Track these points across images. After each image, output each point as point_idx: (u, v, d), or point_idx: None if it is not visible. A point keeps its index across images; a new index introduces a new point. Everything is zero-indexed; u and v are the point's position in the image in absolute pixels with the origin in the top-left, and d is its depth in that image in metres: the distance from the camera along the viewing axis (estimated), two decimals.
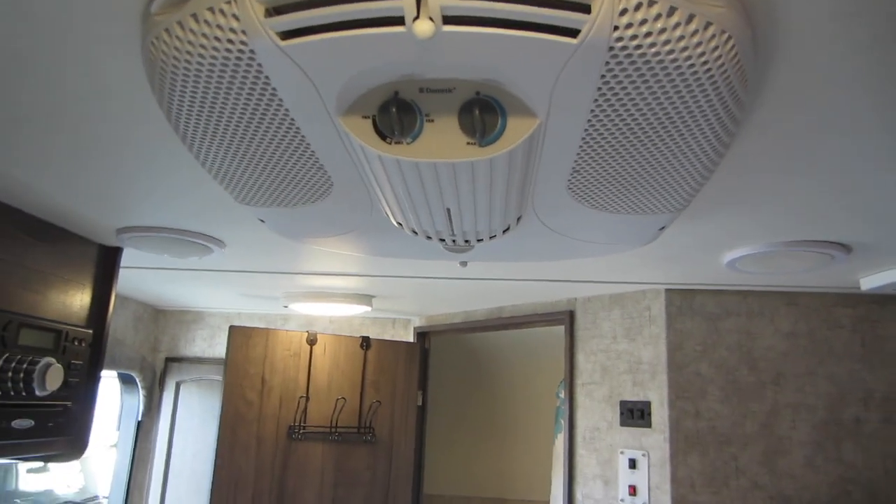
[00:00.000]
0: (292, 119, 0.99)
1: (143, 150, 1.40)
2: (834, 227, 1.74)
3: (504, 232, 1.43)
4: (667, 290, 2.63)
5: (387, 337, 3.99)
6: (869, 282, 2.23)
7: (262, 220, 1.58)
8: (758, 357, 2.57)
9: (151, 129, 1.29)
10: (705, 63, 0.82)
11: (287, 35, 0.79)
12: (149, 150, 1.41)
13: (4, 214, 1.88)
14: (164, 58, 0.88)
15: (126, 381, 4.06)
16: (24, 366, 1.92)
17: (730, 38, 0.81)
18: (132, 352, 3.93)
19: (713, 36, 0.79)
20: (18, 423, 1.94)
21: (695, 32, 0.78)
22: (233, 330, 3.34)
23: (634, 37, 0.77)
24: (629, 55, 0.79)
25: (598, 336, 2.84)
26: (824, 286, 2.49)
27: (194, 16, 0.80)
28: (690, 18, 0.77)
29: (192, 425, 4.00)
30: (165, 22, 0.84)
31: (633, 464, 2.58)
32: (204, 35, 0.81)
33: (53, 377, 2.00)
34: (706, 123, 0.96)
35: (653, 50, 0.79)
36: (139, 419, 4.06)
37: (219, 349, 4.08)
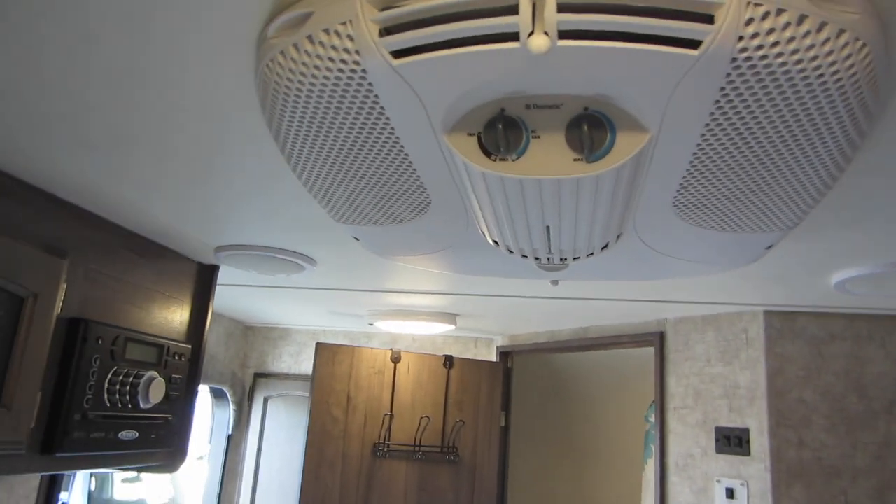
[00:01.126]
0: (397, 137, 1.00)
1: (245, 171, 1.45)
2: None
3: (602, 249, 1.40)
4: (765, 312, 2.51)
5: (469, 356, 3.98)
6: None
7: (357, 238, 1.60)
8: (868, 384, 2.42)
9: (254, 151, 1.33)
10: (836, 73, 0.77)
11: (400, 54, 0.80)
12: (250, 172, 1.45)
13: (112, 232, 1.97)
14: (277, 79, 0.90)
15: (217, 395, 4.19)
16: (131, 379, 2.01)
17: (864, 45, 0.76)
18: (223, 367, 4.06)
19: (846, 44, 0.75)
20: (124, 435, 2.02)
21: (826, 41, 0.74)
22: (319, 347, 3.40)
23: (760, 47, 0.73)
24: (753, 66, 0.76)
25: (691, 359, 2.73)
26: None
27: (310, 37, 0.82)
28: (822, 26, 0.73)
29: (280, 440, 4.08)
30: (281, 44, 0.86)
31: (730, 493, 2.46)
32: (318, 56, 0.83)
33: (156, 390, 2.08)
34: (830, 137, 0.91)
35: (780, 60, 0.75)
36: (229, 433, 4.18)
37: (304, 366, 4.16)
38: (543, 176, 0.96)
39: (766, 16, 0.71)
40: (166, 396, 2.16)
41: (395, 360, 3.46)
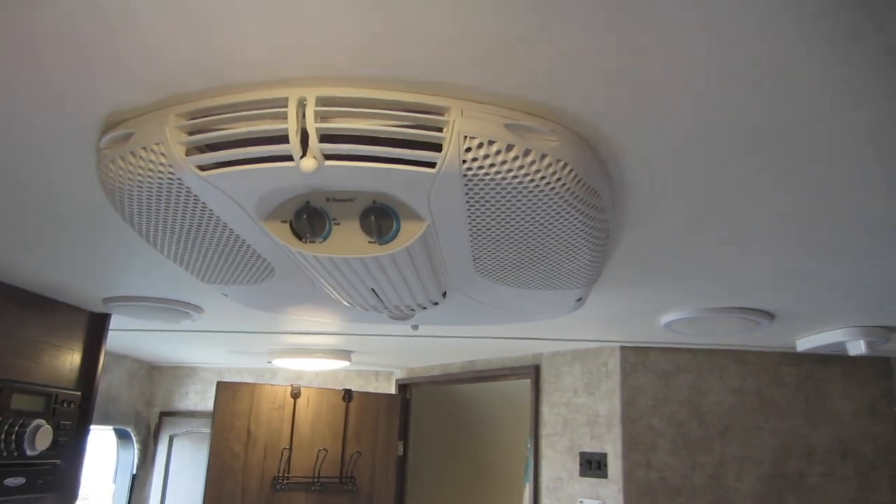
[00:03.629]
0: (224, 224, 1.18)
1: (118, 234, 1.60)
2: (750, 297, 1.90)
3: (436, 304, 1.61)
4: (621, 348, 2.78)
5: (370, 389, 4.13)
6: (803, 343, 2.38)
7: (225, 295, 1.76)
8: (706, 411, 2.71)
9: (118, 218, 1.49)
10: (548, 184, 1.00)
11: (205, 167, 0.99)
12: (123, 234, 1.60)
13: (0, 292, 2.07)
14: (111, 181, 1.08)
15: (121, 435, 4.21)
16: (17, 428, 2.09)
17: (566, 164, 0.99)
18: (126, 407, 4.08)
19: (549, 164, 0.97)
20: (10, 482, 2.10)
21: (532, 162, 0.96)
22: (220, 385, 3.50)
23: (481, 167, 0.95)
24: (481, 179, 0.98)
25: (561, 390, 2.98)
26: (766, 346, 2.63)
27: (132, 152, 1.00)
28: (527, 152, 0.95)
29: (185, 478, 4.12)
30: (111, 155, 1.04)
31: None
32: (141, 167, 1.01)
33: (43, 438, 2.17)
34: (567, 224, 1.13)
35: (500, 176, 0.97)
36: (134, 472, 4.19)
37: (210, 403, 4.22)
38: (345, 255, 1.16)
39: (480, 146, 0.93)
40: (54, 442, 2.25)
41: (295, 395, 3.59)
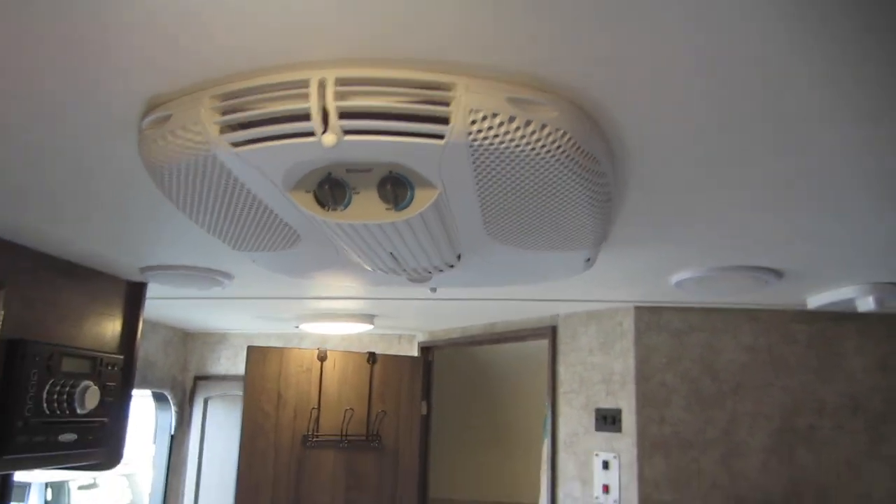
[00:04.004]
0: (254, 195, 1.29)
1: (155, 208, 1.72)
2: (757, 256, 1.97)
3: (452, 267, 1.71)
4: (636, 308, 2.87)
5: (393, 352, 4.28)
6: (814, 301, 2.45)
7: (255, 261, 1.88)
8: (719, 368, 2.80)
9: (157, 192, 1.61)
10: (548, 151, 1.09)
11: (237, 144, 1.09)
12: (162, 210, 1.72)
13: (44, 262, 2.22)
14: (154, 158, 1.19)
15: (159, 399, 4.42)
16: (67, 388, 2.25)
17: (565, 133, 1.08)
18: (163, 372, 4.28)
19: (549, 133, 1.06)
20: (64, 437, 2.26)
21: (533, 132, 1.05)
22: (250, 350, 3.67)
23: (486, 138, 1.04)
24: (486, 149, 1.07)
25: (577, 349, 3.09)
26: (778, 304, 2.70)
27: (172, 132, 1.11)
28: (528, 123, 1.04)
29: (220, 437, 4.33)
30: (153, 135, 1.15)
31: (605, 465, 2.82)
32: (179, 145, 1.12)
33: (91, 397, 2.32)
34: (569, 187, 1.22)
35: (503, 145, 1.06)
36: (172, 433, 4.41)
37: (241, 367, 4.39)
38: (365, 221, 1.26)
39: (484, 118, 1.02)
40: (101, 402, 2.40)
41: (322, 358, 3.75)
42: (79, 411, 2.29)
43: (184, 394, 4.46)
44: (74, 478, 7.67)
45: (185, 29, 0.92)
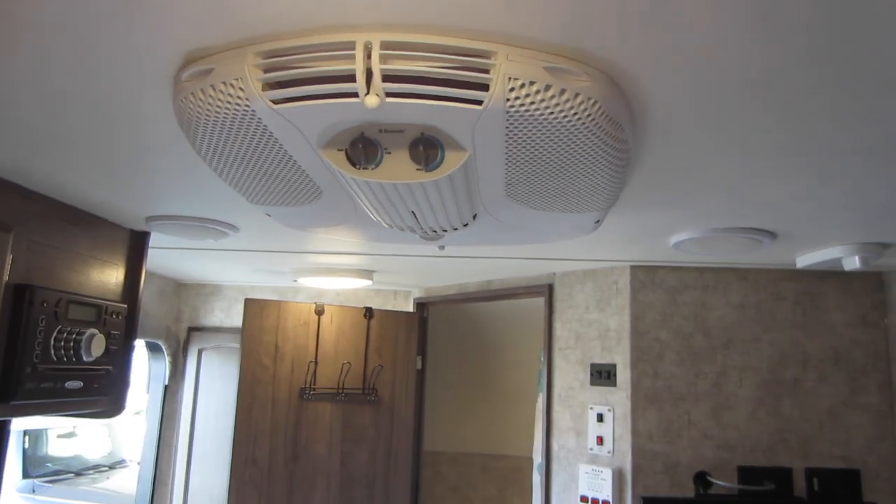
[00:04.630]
0: (286, 151, 1.32)
1: (171, 160, 1.74)
2: (754, 218, 2.04)
3: (465, 226, 1.76)
4: (632, 267, 2.95)
5: (389, 307, 4.35)
6: (803, 260, 2.54)
7: (269, 215, 1.91)
8: (710, 325, 2.90)
9: (178, 145, 1.62)
10: (578, 118, 1.13)
11: (277, 101, 1.11)
12: (175, 161, 1.74)
13: (51, 206, 2.22)
14: (189, 111, 1.20)
15: (153, 349, 4.45)
16: (74, 336, 2.27)
17: (595, 101, 1.12)
18: (157, 322, 4.31)
19: (581, 101, 1.10)
20: (70, 384, 2.29)
21: (567, 100, 1.09)
22: (248, 302, 3.71)
23: (522, 104, 1.08)
24: (521, 115, 1.10)
25: (573, 307, 3.17)
26: (768, 263, 2.80)
27: (212, 86, 1.13)
28: (563, 91, 1.08)
29: (214, 387, 4.40)
30: (191, 87, 1.16)
31: (600, 418, 2.94)
32: (219, 99, 1.14)
33: (97, 345, 2.35)
34: (593, 153, 1.27)
35: (538, 112, 1.10)
36: (166, 383, 4.46)
37: (235, 319, 4.45)
38: (395, 181, 1.30)
39: (522, 86, 1.05)
40: (106, 350, 2.44)
41: (319, 312, 3.80)
42: (85, 359, 2.32)
43: (178, 344, 4.50)
44: (53, 426, 7.61)
45: None
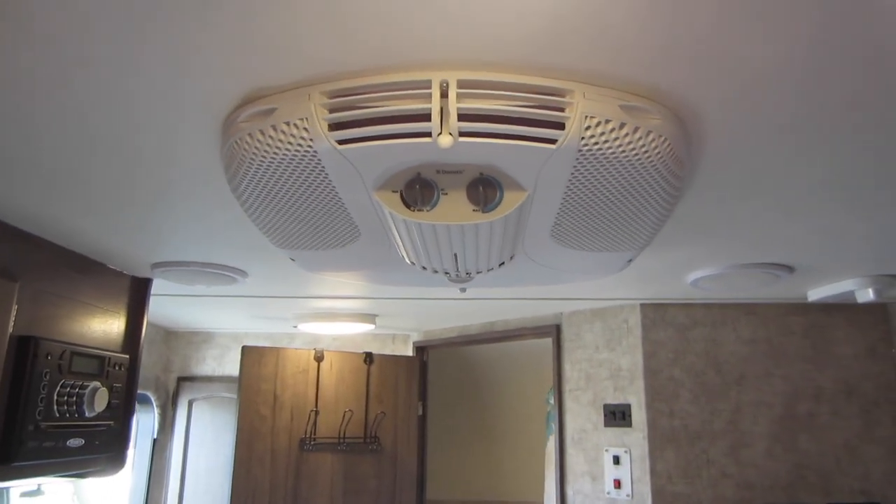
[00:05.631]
0: (336, 192, 1.28)
1: (190, 205, 1.69)
2: (776, 253, 2.05)
3: (500, 266, 1.73)
4: (641, 305, 2.94)
5: (387, 351, 4.27)
6: (815, 294, 2.56)
7: (293, 259, 1.86)
8: (722, 361, 2.89)
9: (200, 190, 1.58)
10: (647, 156, 1.12)
11: (343, 142, 1.08)
12: (194, 205, 1.69)
13: (55, 253, 2.13)
14: (244, 153, 1.17)
15: (141, 400, 4.29)
16: (77, 390, 2.17)
17: (665, 139, 1.11)
18: (146, 372, 4.17)
19: (653, 140, 1.09)
20: (72, 442, 2.18)
21: (639, 138, 1.08)
22: (245, 350, 3.61)
23: (596, 143, 1.07)
24: (593, 154, 1.09)
25: (582, 347, 3.14)
26: (778, 297, 2.81)
27: (274, 126, 1.10)
28: (636, 129, 1.07)
29: (206, 441, 4.24)
30: (249, 128, 1.13)
31: (616, 460, 2.88)
32: (280, 140, 1.11)
33: (101, 399, 2.25)
34: (653, 191, 1.26)
35: (610, 150, 1.09)
36: (154, 437, 4.29)
37: (229, 368, 4.33)
38: (451, 222, 1.27)
39: (598, 124, 1.04)
40: (108, 404, 2.33)
41: (319, 359, 3.71)
42: (87, 414, 2.21)
43: (167, 395, 4.36)
44: (19, 484, 7.27)
45: (296, 23, 0.91)
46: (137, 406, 4.35)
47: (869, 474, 2.80)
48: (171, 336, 4.46)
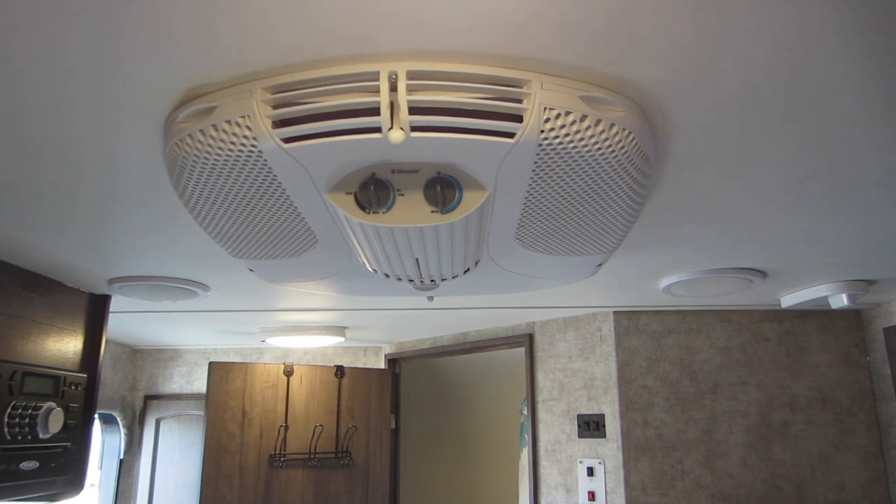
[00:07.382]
0: (287, 196, 1.22)
1: (142, 214, 1.61)
2: (749, 257, 2.02)
3: (465, 273, 1.67)
4: (615, 313, 2.89)
5: (359, 364, 4.18)
6: (788, 300, 2.53)
7: (251, 270, 1.79)
8: (697, 369, 2.85)
9: (151, 198, 1.50)
10: (612, 150, 1.07)
11: (289, 140, 1.02)
12: (146, 215, 1.61)
13: (6, 272, 2.05)
14: (185, 155, 1.10)
15: (107, 420, 4.16)
16: (30, 411, 2.08)
17: (630, 133, 1.06)
18: (112, 392, 4.05)
19: (616, 133, 1.04)
20: (25, 465, 2.08)
21: (602, 131, 1.03)
22: (212, 366, 3.50)
23: (556, 136, 1.01)
24: (553, 148, 1.04)
25: (556, 356, 3.09)
26: (752, 304, 2.78)
27: (214, 126, 1.03)
28: (598, 122, 1.02)
29: (174, 460, 4.11)
30: (189, 129, 1.06)
31: (590, 471, 2.82)
32: (222, 140, 1.04)
33: (55, 420, 2.15)
34: (619, 189, 1.21)
35: (571, 144, 1.04)
36: (121, 457, 4.16)
37: (197, 385, 4.21)
38: (408, 224, 1.21)
39: (558, 116, 0.99)
40: (65, 425, 2.24)
41: (289, 373, 3.62)
42: (41, 436, 2.12)
43: (133, 415, 4.23)
44: None
45: (242, 17, 0.85)
46: (103, 426, 4.24)
47: (844, 484, 2.76)
48: (137, 354, 4.34)
